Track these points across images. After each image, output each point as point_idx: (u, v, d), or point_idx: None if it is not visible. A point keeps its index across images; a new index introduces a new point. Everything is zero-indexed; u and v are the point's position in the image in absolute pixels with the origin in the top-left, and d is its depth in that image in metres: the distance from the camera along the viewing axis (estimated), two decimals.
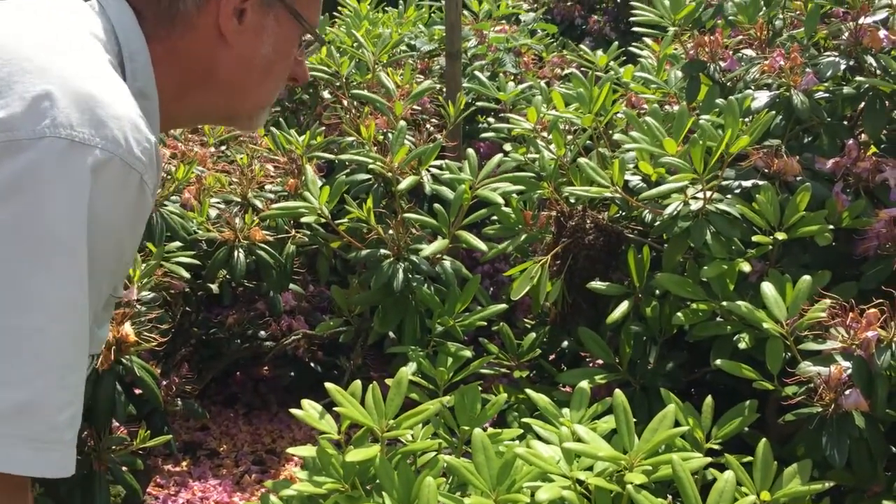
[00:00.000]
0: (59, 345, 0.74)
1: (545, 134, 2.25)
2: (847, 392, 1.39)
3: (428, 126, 2.77)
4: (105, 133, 0.76)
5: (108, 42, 0.87)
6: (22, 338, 0.72)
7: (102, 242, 0.77)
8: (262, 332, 2.69)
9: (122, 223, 0.79)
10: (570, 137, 2.33)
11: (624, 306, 1.84)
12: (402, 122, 1.97)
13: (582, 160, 1.92)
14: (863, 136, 1.88)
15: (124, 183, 0.77)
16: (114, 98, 0.79)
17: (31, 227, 0.72)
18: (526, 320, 2.51)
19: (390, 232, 1.82)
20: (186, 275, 1.98)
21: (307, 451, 1.56)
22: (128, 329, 1.48)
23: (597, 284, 1.89)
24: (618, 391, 1.40)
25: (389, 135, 2.10)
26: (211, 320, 2.74)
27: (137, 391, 1.88)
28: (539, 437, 1.53)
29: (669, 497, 1.29)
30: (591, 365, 2.26)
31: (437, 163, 2.06)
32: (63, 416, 0.74)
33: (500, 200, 1.91)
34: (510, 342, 2.08)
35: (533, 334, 2.11)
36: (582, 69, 2.92)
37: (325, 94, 3.01)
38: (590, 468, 1.38)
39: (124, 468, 1.67)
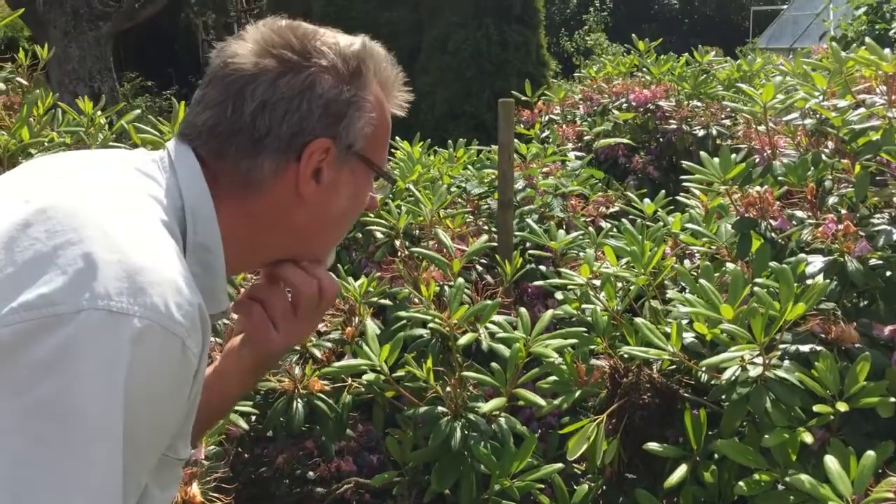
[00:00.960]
0: None
1: (595, 282, 2.29)
2: None
3: (477, 266, 2.84)
4: (144, 301, 0.77)
5: (168, 197, 0.91)
6: None
7: (143, 413, 0.77)
8: (311, 473, 2.69)
9: (163, 391, 0.79)
10: (619, 285, 2.37)
11: (682, 470, 1.82)
12: (461, 280, 2.03)
13: (638, 320, 1.95)
14: None
15: (166, 350, 0.78)
16: (156, 263, 0.80)
17: (69, 407, 0.73)
18: (575, 466, 2.49)
19: (448, 389, 1.85)
20: (245, 425, 2.01)
21: None
22: (195, 490, 1.50)
23: (653, 446, 1.88)
24: None
25: (446, 288, 2.15)
26: (260, 457, 2.75)
27: None
28: None
29: None
30: None
31: (495, 318, 2.10)
32: None
33: (556, 356, 1.94)
34: (563, 495, 2.06)
35: (586, 486, 2.09)
36: (629, 217, 2.98)
37: (378, 234, 3.10)
38: None
39: None
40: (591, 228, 3.08)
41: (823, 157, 2.22)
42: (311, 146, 0.94)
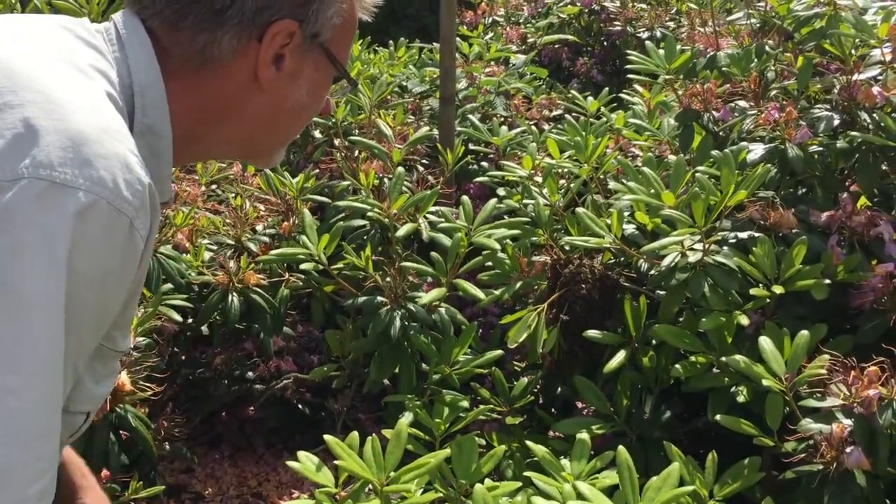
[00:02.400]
0: (32, 410, 0.68)
1: (538, 179, 2.26)
2: (848, 450, 1.39)
3: (418, 167, 2.78)
4: (90, 173, 0.70)
5: (116, 74, 0.83)
6: None
7: (84, 293, 0.72)
8: (250, 373, 2.66)
9: (107, 269, 0.74)
10: (562, 182, 2.35)
11: (621, 356, 1.84)
12: (400, 169, 1.97)
13: (580, 210, 1.93)
14: (856, 189, 1.91)
15: (110, 228, 0.72)
16: (104, 135, 0.74)
17: (4, 281, 0.67)
18: (515, 363, 2.50)
19: (387, 279, 1.81)
20: (178, 318, 1.96)
21: (303, 503, 1.54)
22: (124, 378, 1.45)
23: (593, 333, 1.89)
24: (621, 448, 1.39)
25: (385, 180, 2.10)
26: (198, 359, 2.71)
27: (123, 433, 1.86)
28: (539, 491, 1.52)
29: None
30: (584, 412, 2.25)
31: (434, 208, 2.05)
32: (34, 488, 0.69)
33: (498, 247, 1.92)
34: (502, 387, 2.07)
35: (525, 380, 2.10)
36: (573, 114, 2.94)
37: (317, 134, 3.01)
38: None
39: None
40: (534, 128, 3.03)
41: (767, 48, 2.19)
42: (275, 26, 0.86)
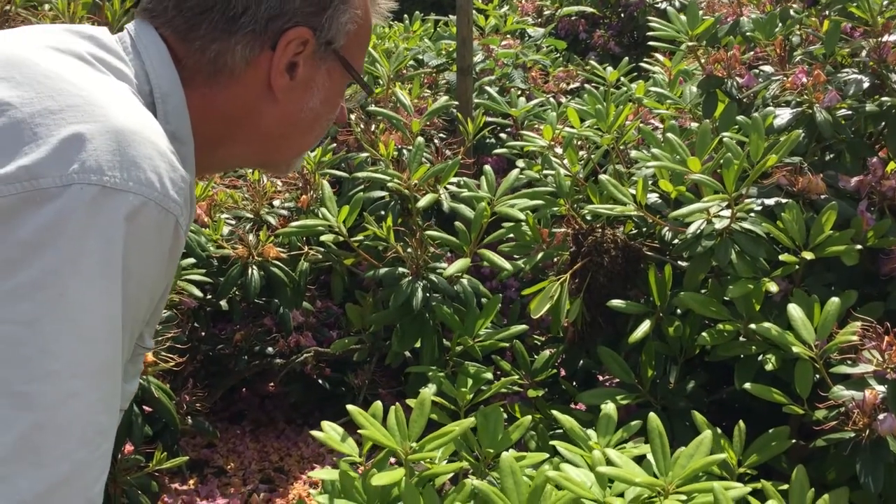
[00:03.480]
0: (95, 411, 0.69)
1: (558, 149, 2.23)
2: (881, 417, 1.37)
3: (435, 140, 2.76)
4: (138, 175, 0.70)
5: (137, 82, 0.82)
6: (58, 406, 0.66)
7: (136, 293, 0.72)
8: (270, 349, 2.66)
9: (156, 270, 0.74)
10: (582, 153, 2.32)
11: (646, 325, 1.81)
12: (420, 139, 1.94)
13: (603, 177, 1.91)
14: (885, 153, 1.87)
15: (159, 228, 0.72)
16: (147, 136, 0.73)
17: (61, 286, 0.67)
18: (535, 336, 2.49)
19: (409, 250, 1.79)
20: (198, 293, 1.95)
21: (328, 473, 1.53)
22: None
23: (617, 303, 1.87)
24: (652, 415, 1.37)
25: (405, 151, 2.07)
26: (218, 336, 2.71)
27: (147, 408, 1.85)
28: (564, 459, 1.50)
29: None
30: (605, 384, 2.24)
31: (454, 179, 2.03)
32: (98, 487, 0.70)
33: (521, 217, 1.89)
34: (524, 360, 2.05)
35: (547, 352, 2.08)
36: (592, 84, 2.90)
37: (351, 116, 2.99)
38: (621, 494, 1.35)
39: (139, 490, 1.63)
40: (552, 100, 2.99)
41: (792, 12, 2.14)
42: (288, 34, 0.85)
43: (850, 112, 1.84)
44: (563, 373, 2.18)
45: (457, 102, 2.51)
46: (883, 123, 1.81)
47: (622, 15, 4.22)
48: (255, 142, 0.91)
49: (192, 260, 2.00)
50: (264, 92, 0.87)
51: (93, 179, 0.68)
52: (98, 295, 0.68)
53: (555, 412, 1.66)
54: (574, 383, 2.16)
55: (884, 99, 1.75)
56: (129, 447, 1.85)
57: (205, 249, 1.98)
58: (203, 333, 2.64)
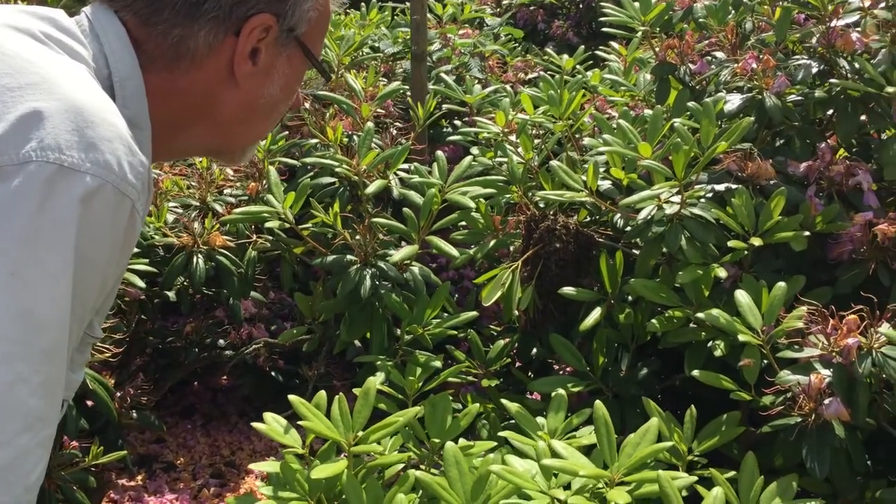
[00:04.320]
0: (37, 395, 0.67)
1: (512, 137, 2.21)
2: (827, 401, 1.36)
3: (392, 130, 2.72)
4: (96, 157, 0.69)
5: (95, 65, 0.81)
6: (1, 389, 0.65)
7: (88, 278, 0.70)
8: (221, 341, 2.60)
9: (109, 256, 0.72)
10: (537, 141, 2.30)
11: (597, 313, 1.80)
12: (370, 124, 1.91)
13: (554, 163, 1.89)
14: (834, 139, 1.87)
15: (115, 212, 0.71)
16: (106, 117, 0.72)
17: (10, 265, 0.65)
18: (492, 327, 2.47)
19: (357, 237, 1.76)
20: (142, 283, 1.89)
21: (270, 466, 1.50)
22: None
23: (568, 290, 1.85)
24: (598, 403, 1.35)
25: (355, 137, 2.03)
26: (168, 328, 2.65)
27: (89, 403, 1.80)
28: (514, 450, 1.48)
29: None
30: (560, 373, 2.22)
31: (405, 166, 2.00)
32: (35, 475, 0.68)
33: (472, 205, 1.86)
34: (478, 350, 2.03)
35: (502, 342, 2.06)
36: (549, 73, 2.88)
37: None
38: (568, 485, 1.33)
39: (76, 486, 1.58)
40: (508, 88, 2.97)
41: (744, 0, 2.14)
42: (252, 21, 0.84)
43: (799, 98, 1.84)
44: (519, 363, 2.16)
45: (406, 88, 2.47)
46: (832, 109, 1.81)
47: (580, 5, 4.21)
48: (214, 127, 0.90)
49: (134, 249, 1.95)
50: (226, 78, 0.86)
51: (51, 158, 0.67)
52: (49, 277, 0.67)
53: (504, 400, 1.64)
54: (529, 372, 2.14)
55: (832, 82, 1.75)
56: (73, 442, 1.80)
57: (147, 238, 1.93)
58: (153, 325, 2.58)
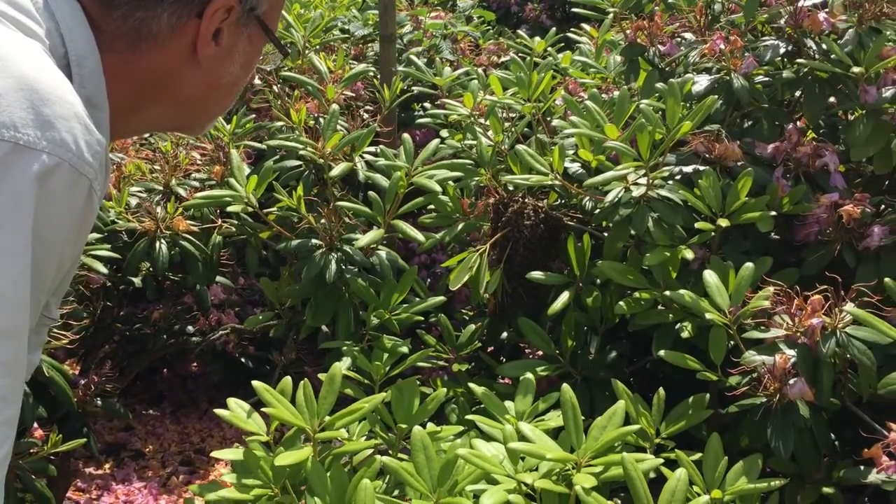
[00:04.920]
0: (1, 374, 0.66)
1: (482, 120, 2.19)
2: (792, 381, 1.36)
3: (362, 113, 2.68)
4: (53, 135, 0.68)
5: (50, 42, 0.78)
6: None
7: (45, 258, 0.69)
8: (190, 328, 2.57)
9: (67, 236, 0.71)
10: (507, 124, 2.28)
11: (565, 296, 1.79)
12: (335, 107, 1.88)
13: (520, 147, 1.87)
14: (802, 120, 1.87)
15: (72, 191, 0.70)
16: (61, 96, 0.71)
17: None
18: (464, 311, 2.45)
19: (322, 221, 1.73)
20: (104, 269, 1.86)
21: (234, 453, 1.47)
22: None
23: (536, 274, 1.83)
24: (566, 386, 1.34)
25: (321, 120, 2.00)
26: (135, 316, 2.61)
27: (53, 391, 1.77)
28: (482, 434, 1.47)
29: (619, 501, 1.24)
30: (531, 357, 2.21)
31: (372, 149, 1.97)
32: (2, 451, 0.67)
33: (438, 188, 1.84)
34: (448, 334, 2.02)
35: (472, 326, 2.05)
36: (520, 55, 2.86)
37: (255, 81, 2.89)
38: (535, 468, 1.32)
39: (35, 475, 1.55)
40: (480, 70, 2.94)
41: None
42: (215, 2, 0.84)
43: (767, 79, 1.83)
44: (489, 347, 2.15)
45: (376, 71, 2.44)
46: (800, 90, 1.81)
47: None
48: (174, 106, 0.89)
49: (96, 235, 1.91)
50: (188, 58, 0.85)
51: (6, 136, 0.66)
52: (8, 257, 0.66)
53: (471, 384, 1.63)
54: (502, 359, 2.13)
55: (800, 62, 1.74)
56: (38, 431, 1.76)
57: (107, 224, 1.89)
58: (119, 313, 2.54)
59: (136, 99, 0.86)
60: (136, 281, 2.24)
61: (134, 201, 2.02)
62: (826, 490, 1.47)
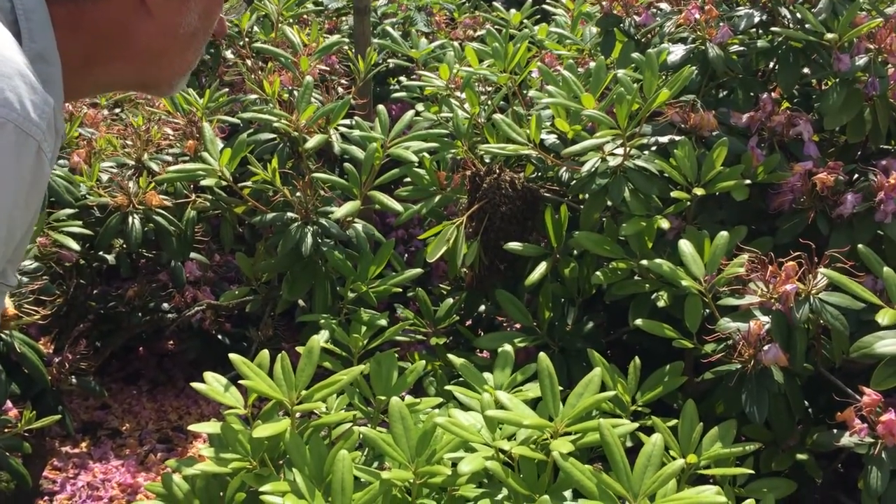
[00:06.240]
0: None
1: (458, 93, 2.18)
2: (766, 347, 1.37)
3: (338, 88, 2.66)
4: None
5: None
6: None
7: None
8: (165, 305, 2.55)
9: (16, 199, 0.68)
10: (483, 97, 2.26)
11: (542, 267, 1.79)
12: (309, 78, 1.85)
13: (497, 117, 1.86)
14: (776, 90, 1.87)
15: (19, 152, 0.67)
16: (3, 53, 0.68)
17: None
18: (442, 286, 2.45)
19: (297, 194, 1.72)
20: (76, 246, 1.83)
21: (212, 427, 1.47)
22: (6, 302, 1.34)
23: (513, 245, 1.83)
24: (542, 355, 1.35)
25: (295, 92, 1.98)
26: (110, 293, 2.58)
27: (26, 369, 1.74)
28: (461, 404, 1.47)
29: (599, 465, 1.25)
30: (508, 329, 2.22)
31: (347, 121, 1.95)
32: None
33: (414, 158, 1.83)
34: (426, 308, 2.01)
35: (450, 300, 2.05)
36: (496, 27, 2.84)
37: (228, 54, 2.85)
38: (513, 436, 1.33)
39: (10, 453, 1.53)
40: (455, 44, 2.92)
41: None
42: None
43: (742, 49, 1.83)
44: (468, 321, 2.15)
45: (350, 43, 2.41)
46: (774, 59, 1.81)
47: None
48: (132, 60, 0.86)
49: (68, 211, 1.88)
50: (137, 7, 0.82)
51: None
52: None
53: (450, 356, 1.63)
54: (479, 330, 2.13)
55: (775, 30, 1.74)
56: (12, 411, 1.75)
57: (78, 199, 1.86)
58: (94, 291, 2.51)
59: (89, 53, 0.83)
60: (110, 258, 2.21)
61: (105, 176, 1.99)
62: (800, 457, 1.49)
